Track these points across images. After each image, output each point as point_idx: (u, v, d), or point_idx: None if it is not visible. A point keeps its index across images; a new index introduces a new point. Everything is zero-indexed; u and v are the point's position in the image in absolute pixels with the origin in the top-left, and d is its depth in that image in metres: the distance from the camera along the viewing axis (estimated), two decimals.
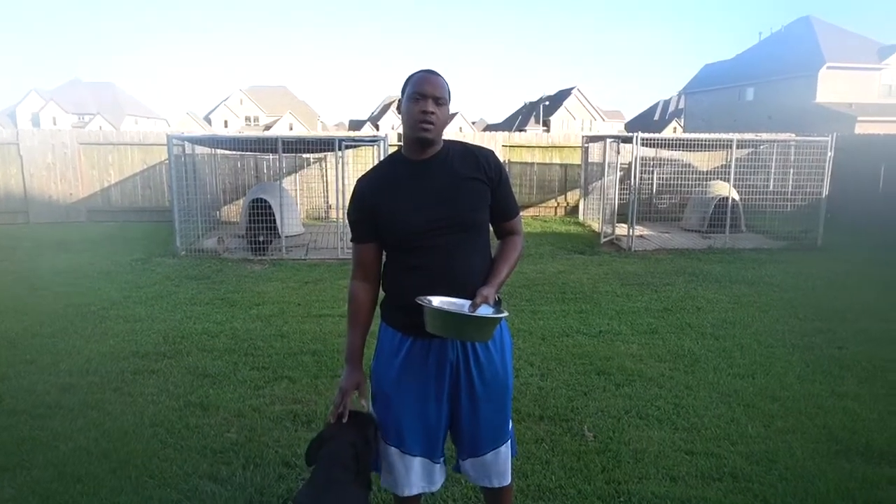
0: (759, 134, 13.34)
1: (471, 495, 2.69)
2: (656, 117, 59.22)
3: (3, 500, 2.72)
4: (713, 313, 5.64)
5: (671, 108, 58.39)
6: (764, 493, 2.75)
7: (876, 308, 5.80)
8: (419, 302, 1.72)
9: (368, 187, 1.88)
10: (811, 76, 26.99)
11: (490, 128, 63.79)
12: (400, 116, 1.84)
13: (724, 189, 9.89)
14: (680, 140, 10.40)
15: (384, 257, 1.96)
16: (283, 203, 8.96)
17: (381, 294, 1.99)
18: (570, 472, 2.91)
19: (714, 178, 10.85)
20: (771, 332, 5.07)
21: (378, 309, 2.00)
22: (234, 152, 11.71)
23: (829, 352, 4.60)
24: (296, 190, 12.00)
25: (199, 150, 10.20)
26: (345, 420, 1.88)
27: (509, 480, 2.02)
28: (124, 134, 12.76)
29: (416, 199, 1.82)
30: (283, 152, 8.98)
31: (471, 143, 1.96)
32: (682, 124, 41.29)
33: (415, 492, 1.95)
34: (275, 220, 8.87)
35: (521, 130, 45.59)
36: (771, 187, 10.73)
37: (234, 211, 11.93)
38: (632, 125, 57.84)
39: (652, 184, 11.95)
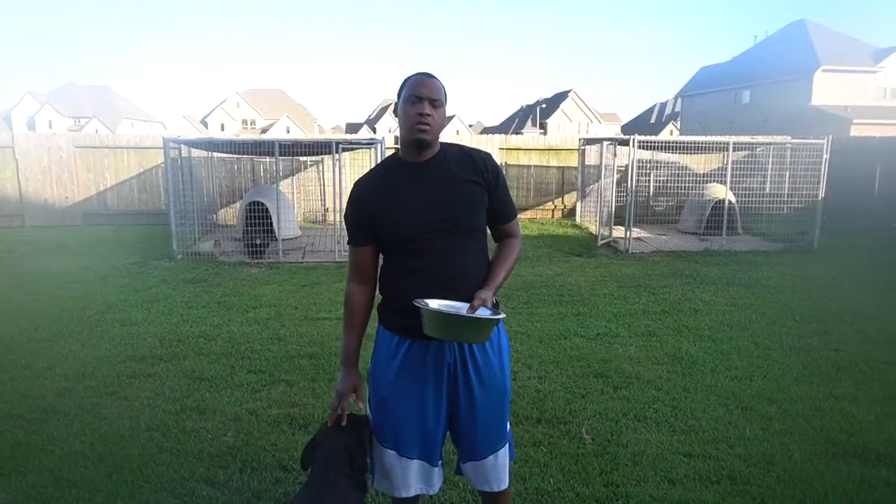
0: (755, 136, 13.39)
1: (469, 499, 2.68)
2: (653, 120, 59.36)
3: None
4: (710, 315, 5.65)
5: (668, 110, 58.55)
6: (762, 495, 2.75)
7: (872, 310, 5.81)
8: (417, 304, 1.71)
9: (366, 190, 1.88)
10: (807, 79, 27.10)
11: (487, 130, 63.91)
12: (397, 119, 1.85)
13: (720, 191, 9.91)
14: (676, 143, 10.42)
15: (381, 260, 1.96)
16: (280, 206, 8.94)
17: (378, 297, 1.98)
18: (568, 475, 2.90)
19: (711, 181, 10.88)
20: (768, 335, 5.07)
21: (375, 312, 2.00)
22: (230, 155, 11.70)
23: (826, 354, 4.61)
24: (293, 193, 12.00)
25: (196, 153, 10.19)
26: (343, 423, 1.88)
27: (507, 484, 2.02)
28: (120, 137, 12.75)
29: (413, 202, 1.82)
30: (280, 155, 8.97)
31: (468, 146, 1.97)
32: (679, 127, 41.41)
33: (412, 493, 1.94)
34: (272, 224, 8.85)
35: (517, 133, 45.68)
36: (767, 190, 10.77)
37: (231, 214, 11.92)
38: (628, 128, 57.98)
39: (649, 186, 11.97)
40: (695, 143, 9.87)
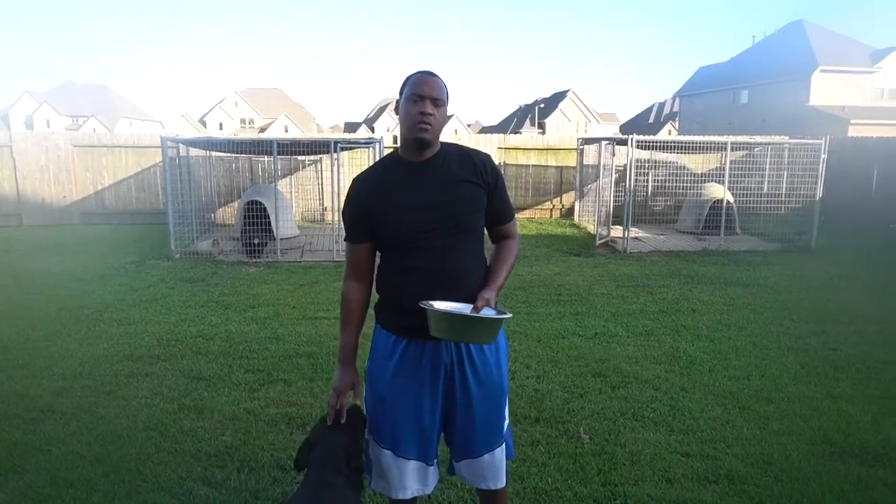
0: (753, 136, 13.40)
1: (467, 498, 2.68)
2: (651, 120, 59.41)
3: None
4: (708, 315, 5.66)
5: (666, 110, 58.60)
6: (759, 494, 2.75)
7: (870, 310, 5.82)
8: (422, 306, 1.71)
9: (364, 188, 1.87)
10: (804, 79, 27.16)
11: (485, 130, 63.94)
12: (398, 118, 1.84)
13: (718, 191, 9.92)
14: (675, 142, 10.44)
15: (378, 258, 1.95)
16: (279, 205, 8.94)
17: (375, 296, 1.98)
18: (566, 475, 2.90)
19: (709, 181, 10.88)
20: (766, 334, 5.08)
21: (371, 310, 1.99)
22: (228, 154, 11.68)
23: (823, 354, 4.61)
24: (291, 192, 11.98)
25: (194, 152, 10.18)
26: (343, 420, 1.88)
27: (504, 483, 2.01)
28: (118, 136, 12.73)
29: (412, 200, 1.82)
30: (278, 154, 8.97)
31: (468, 146, 1.96)
32: (677, 127, 41.45)
33: (409, 495, 1.94)
34: (270, 223, 8.85)
35: (516, 133, 45.66)
36: (765, 190, 10.78)
37: (229, 213, 11.91)
38: (627, 128, 58.02)
39: (647, 186, 11.98)
40: (693, 142, 9.88)
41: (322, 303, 6.06)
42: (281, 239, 8.77)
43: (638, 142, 9.08)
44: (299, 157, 11.97)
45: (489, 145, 12.69)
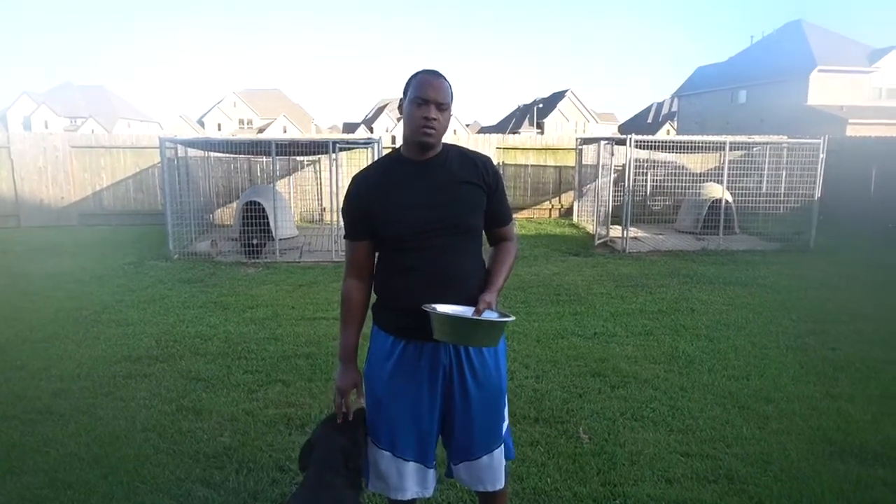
0: (751, 136, 13.41)
1: (466, 499, 2.68)
2: (650, 120, 59.47)
3: None
4: (707, 315, 5.66)
5: (664, 110, 58.66)
6: (759, 494, 2.75)
7: (869, 309, 5.83)
8: (425, 309, 1.70)
9: (365, 185, 1.87)
10: (803, 79, 27.18)
11: (484, 130, 63.95)
12: (401, 116, 1.83)
13: (717, 191, 9.93)
14: (673, 142, 10.43)
15: (376, 258, 1.95)
16: (277, 206, 8.93)
17: (373, 297, 1.97)
18: (565, 475, 2.90)
19: (707, 181, 10.89)
20: (765, 334, 5.08)
21: (370, 311, 1.99)
22: (227, 155, 11.67)
23: (822, 353, 4.61)
24: (289, 193, 11.97)
25: (192, 153, 10.17)
26: (350, 419, 1.87)
27: (503, 484, 2.01)
28: (116, 137, 12.70)
29: (412, 199, 1.81)
30: (277, 155, 8.96)
31: (469, 148, 1.96)
32: (676, 127, 41.48)
33: (408, 496, 1.93)
34: (268, 223, 8.84)
35: (515, 133, 45.69)
36: (764, 189, 10.79)
37: (228, 214, 11.89)
38: (625, 127, 58.09)
39: (646, 186, 11.99)
40: (691, 142, 9.88)
41: (321, 303, 6.05)
42: (279, 239, 8.76)
43: (636, 142, 9.08)
44: (298, 158, 11.96)
45: (488, 145, 12.69)
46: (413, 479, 1.92)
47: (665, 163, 11.89)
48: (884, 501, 2.71)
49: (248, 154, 11.60)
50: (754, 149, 11.33)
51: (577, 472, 2.92)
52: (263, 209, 8.96)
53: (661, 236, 10.22)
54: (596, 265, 8.05)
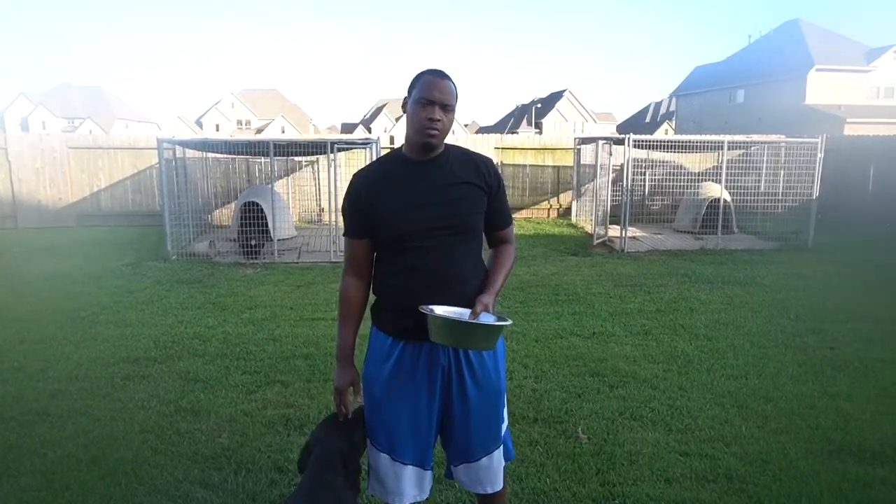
0: (749, 136, 13.43)
1: (465, 499, 2.67)
2: (648, 119, 59.53)
3: None
4: (706, 314, 5.66)
5: (662, 110, 58.73)
6: (758, 493, 2.74)
7: (867, 308, 5.83)
8: (422, 311, 1.70)
9: (365, 183, 1.86)
10: (800, 78, 27.24)
11: (482, 130, 63.93)
12: (406, 115, 1.82)
13: (715, 190, 9.94)
14: (671, 142, 10.44)
15: (375, 258, 1.94)
16: (275, 206, 8.92)
17: (371, 297, 1.97)
18: (564, 475, 2.89)
19: (705, 180, 10.90)
20: (763, 333, 5.08)
21: (368, 311, 1.98)
22: (225, 156, 11.66)
23: (821, 352, 4.61)
24: (288, 193, 11.96)
25: (190, 153, 10.15)
26: (349, 417, 1.87)
27: (501, 486, 2.00)
28: (114, 138, 12.69)
29: (412, 199, 1.80)
30: (275, 155, 8.95)
31: (471, 149, 1.95)
32: (674, 126, 41.53)
33: (406, 501, 1.92)
34: (267, 224, 8.83)
35: (513, 132, 45.68)
36: (762, 188, 10.81)
37: (226, 214, 11.88)
38: (623, 127, 58.12)
39: (644, 185, 11.99)
40: (690, 142, 9.89)
41: (319, 304, 6.04)
42: (278, 240, 8.75)
43: (635, 141, 9.08)
44: (296, 158, 11.95)
45: (486, 145, 12.69)
46: (411, 483, 1.91)
47: (663, 162, 11.90)
48: (883, 500, 2.71)
49: (247, 155, 11.59)
50: (752, 148, 11.34)
51: (576, 472, 2.92)
52: (262, 210, 8.95)
53: (659, 236, 10.23)
54: (594, 265, 8.05)
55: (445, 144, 1.87)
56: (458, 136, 14.45)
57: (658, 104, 60.54)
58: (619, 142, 9.61)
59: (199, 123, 67.45)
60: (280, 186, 11.64)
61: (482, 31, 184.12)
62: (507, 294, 6.27)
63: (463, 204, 1.83)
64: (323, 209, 12.13)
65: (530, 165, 13.03)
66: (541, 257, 8.54)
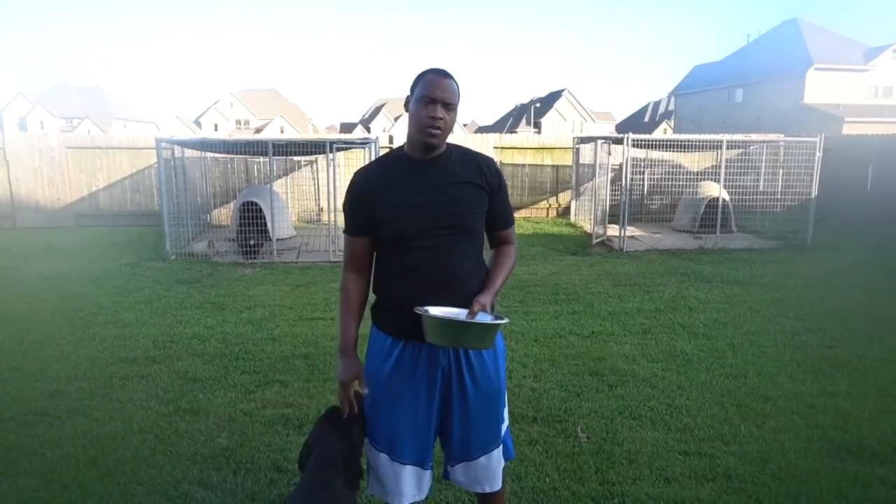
0: (748, 135, 13.44)
1: (465, 498, 2.67)
2: (647, 119, 59.55)
3: None
4: (705, 313, 5.66)
5: (661, 109, 58.75)
6: (757, 492, 2.74)
7: (866, 307, 5.83)
8: (417, 311, 1.69)
9: (365, 181, 1.86)
10: (799, 78, 27.25)
11: (481, 129, 63.91)
12: (408, 114, 1.82)
13: (714, 190, 9.94)
14: (670, 141, 10.45)
15: (375, 258, 1.94)
16: (274, 206, 8.91)
17: (371, 297, 1.96)
18: (563, 474, 2.89)
19: (704, 179, 10.91)
20: (762, 332, 5.08)
21: (368, 311, 1.98)
22: (224, 155, 11.64)
23: (820, 351, 4.62)
24: (287, 193, 11.95)
25: (189, 153, 10.13)
26: (356, 411, 1.84)
27: (500, 485, 2.00)
28: (113, 138, 12.68)
29: (413, 198, 1.80)
30: (274, 155, 8.94)
31: (473, 149, 1.95)
32: (673, 125, 41.54)
33: (405, 501, 1.92)
34: (265, 224, 8.82)
35: (512, 132, 45.67)
36: (761, 188, 10.81)
37: (225, 214, 11.87)
38: (622, 126, 58.13)
39: (643, 185, 11.99)
40: (688, 141, 9.89)
41: (318, 303, 6.04)
42: (277, 240, 8.74)
43: (633, 140, 9.08)
44: (295, 158, 11.94)
45: (485, 145, 12.69)
46: (410, 483, 1.90)
47: (662, 162, 11.90)
48: (882, 499, 2.71)
49: (245, 154, 11.58)
50: (751, 147, 11.35)
51: (576, 472, 2.92)
52: (260, 209, 8.94)
53: (658, 235, 10.23)
54: (593, 264, 8.05)
55: (447, 144, 1.87)
56: (457, 136, 14.45)
57: (657, 103, 60.56)
58: (618, 141, 9.61)
59: (197, 123, 67.36)
60: (279, 186, 11.63)
61: (481, 30, 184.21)
62: (507, 293, 6.27)
63: (463, 204, 1.82)
64: (322, 209, 12.13)
65: (529, 165, 13.03)
66: (540, 257, 8.54)
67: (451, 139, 1.93)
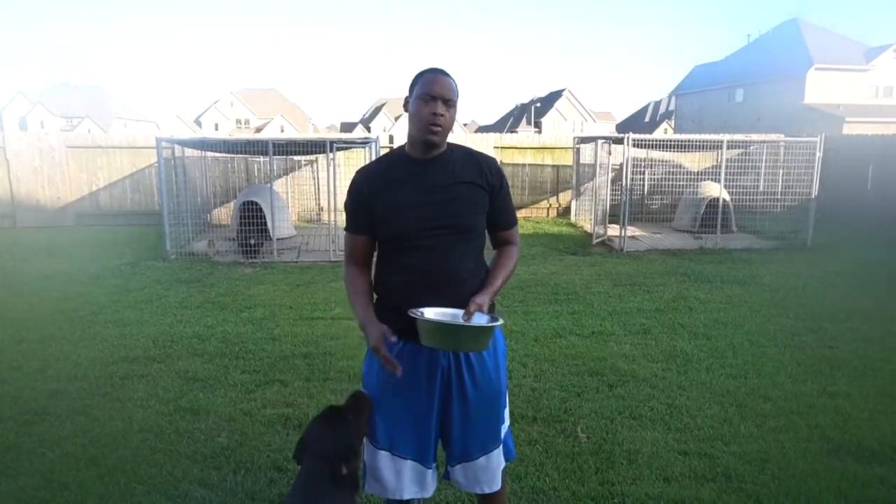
0: (748, 135, 13.43)
1: (464, 498, 2.67)
2: (647, 119, 59.52)
3: None
4: (705, 313, 5.66)
5: (662, 109, 58.72)
6: (757, 492, 2.75)
7: (866, 307, 5.83)
8: (411, 315, 1.69)
9: (367, 180, 1.87)
10: (799, 78, 27.24)
11: (482, 129, 63.89)
12: (408, 114, 1.82)
13: (714, 190, 9.94)
14: (670, 141, 10.44)
15: (375, 257, 1.94)
16: (274, 205, 8.91)
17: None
18: (563, 474, 2.89)
19: (705, 179, 10.91)
20: (762, 332, 5.08)
21: None
22: (224, 155, 11.64)
23: (820, 351, 4.62)
24: (287, 192, 11.95)
25: (189, 152, 10.14)
26: (398, 373, 1.74)
27: (500, 486, 2.00)
28: (113, 137, 12.67)
29: (413, 198, 1.81)
30: (274, 154, 8.94)
31: (474, 149, 1.95)
32: (673, 125, 41.53)
33: (406, 496, 1.92)
34: (266, 223, 8.82)
35: (512, 132, 45.66)
36: (761, 188, 10.80)
37: (225, 214, 11.87)
38: (623, 126, 58.10)
39: (643, 185, 11.99)
40: (689, 141, 9.88)
41: (319, 303, 6.04)
42: (277, 239, 8.74)
43: (634, 140, 9.08)
44: (295, 158, 11.93)
45: (485, 144, 12.68)
46: (410, 478, 1.90)
47: (662, 161, 11.90)
48: (881, 499, 2.72)
49: (246, 154, 11.58)
50: (751, 147, 11.34)
51: (576, 471, 2.92)
52: (261, 209, 8.94)
53: (658, 235, 10.23)
54: (594, 264, 8.05)
55: (449, 144, 1.88)
56: (457, 136, 14.45)
57: (657, 103, 60.52)
58: (619, 141, 9.61)
59: (197, 122, 67.35)
60: (279, 185, 11.62)
61: (481, 30, 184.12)
62: (507, 293, 6.27)
63: (463, 204, 1.83)
64: (322, 208, 12.13)
65: (530, 165, 13.03)
66: (540, 256, 8.54)
67: (451, 138, 1.94)
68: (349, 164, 10.36)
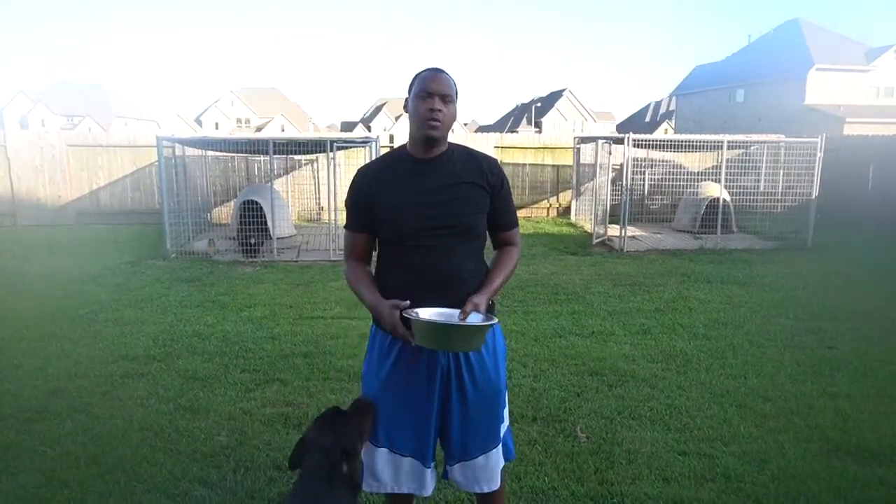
0: (749, 135, 13.43)
1: (464, 498, 2.68)
2: (647, 119, 59.50)
3: None
4: (705, 314, 5.66)
5: (662, 109, 58.70)
6: (756, 493, 2.75)
7: (866, 307, 5.83)
8: (406, 316, 1.69)
9: (367, 179, 1.87)
10: (800, 78, 27.23)
11: (482, 129, 63.88)
12: (407, 115, 1.83)
13: (714, 190, 9.94)
14: (671, 141, 10.44)
15: (375, 256, 1.95)
16: (275, 205, 8.91)
17: None
18: (563, 474, 2.90)
19: (705, 179, 10.90)
20: (762, 332, 5.08)
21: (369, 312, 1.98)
22: (224, 154, 11.63)
23: (820, 352, 4.62)
24: (287, 191, 11.95)
25: (190, 151, 10.13)
26: (413, 343, 1.71)
27: (498, 485, 2.00)
28: (113, 136, 12.66)
29: (413, 197, 1.81)
30: (275, 154, 8.94)
31: (476, 149, 1.95)
32: (674, 126, 41.51)
33: (404, 490, 1.92)
34: (266, 222, 8.82)
35: (513, 132, 45.63)
36: (761, 188, 10.80)
37: (225, 213, 11.86)
38: (623, 126, 58.08)
39: (643, 185, 11.99)
40: (689, 141, 9.88)
41: (319, 302, 6.04)
42: (277, 238, 8.74)
43: (634, 140, 9.08)
44: (296, 157, 11.93)
45: (486, 144, 12.68)
46: (408, 475, 1.91)
47: (663, 162, 11.89)
48: (881, 499, 2.72)
49: (246, 153, 11.58)
50: (752, 148, 11.34)
51: (575, 471, 2.92)
52: (261, 208, 8.94)
53: (658, 235, 10.23)
54: (594, 264, 8.05)
55: (450, 143, 1.88)
56: (457, 135, 14.44)
57: (658, 103, 60.50)
58: (619, 141, 9.60)
59: (198, 121, 67.33)
60: (279, 185, 11.62)
61: (482, 30, 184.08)
62: (507, 293, 6.27)
63: (464, 204, 1.83)
64: (322, 208, 12.12)
65: (530, 164, 13.03)
66: (540, 256, 8.54)
67: (451, 138, 1.94)
68: (349, 164, 10.35)
